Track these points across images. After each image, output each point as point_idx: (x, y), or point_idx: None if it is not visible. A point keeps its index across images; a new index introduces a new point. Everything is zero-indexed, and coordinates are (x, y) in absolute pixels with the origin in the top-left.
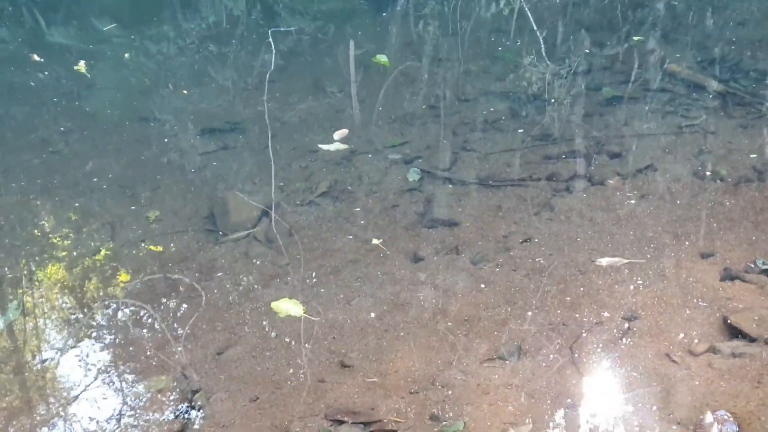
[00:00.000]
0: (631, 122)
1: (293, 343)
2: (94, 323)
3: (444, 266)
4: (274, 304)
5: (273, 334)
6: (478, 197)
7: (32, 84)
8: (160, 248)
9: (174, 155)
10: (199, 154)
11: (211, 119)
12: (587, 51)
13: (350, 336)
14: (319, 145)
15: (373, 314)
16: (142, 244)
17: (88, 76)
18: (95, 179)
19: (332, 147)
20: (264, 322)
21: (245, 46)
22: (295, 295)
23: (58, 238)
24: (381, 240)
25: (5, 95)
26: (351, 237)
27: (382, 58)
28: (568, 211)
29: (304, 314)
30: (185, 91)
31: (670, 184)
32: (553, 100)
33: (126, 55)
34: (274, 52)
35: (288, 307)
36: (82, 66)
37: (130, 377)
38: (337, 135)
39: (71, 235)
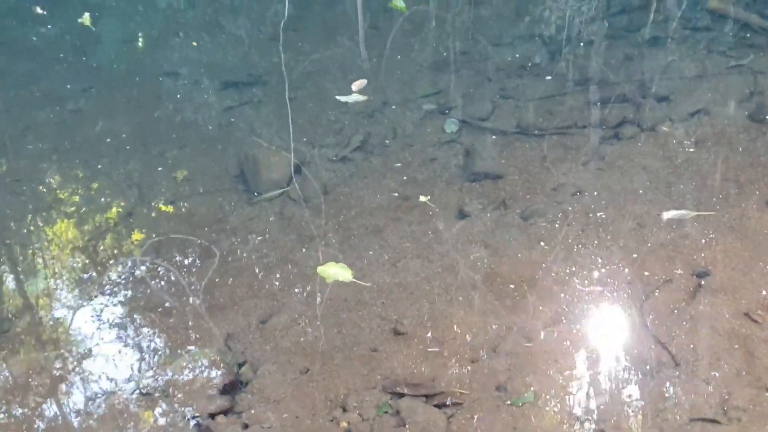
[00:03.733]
0: (676, 63)
1: (341, 309)
2: (126, 292)
3: (493, 222)
4: (320, 269)
5: (318, 300)
6: (521, 147)
7: (34, 39)
8: (189, 209)
9: (197, 112)
10: (223, 110)
11: (230, 72)
12: None
13: (400, 300)
14: (337, 97)
15: (422, 276)
16: (172, 207)
17: (93, 29)
18: (118, 139)
19: (350, 99)
20: (308, 287)
21: None
22: (337, 258)
23: (80, 201)
24: (429, 197)
25: (12, 51)
26: (391, 194)
27: (399, 3)
28: (620, 159)
29: (354, 279)
30: (194, 43)
31: (725, 128)
32: (591, 43)
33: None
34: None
35: (335, 271)
36: (86, 19)
37: (170, 351)
38: (355, 86)
39: (98, 198)
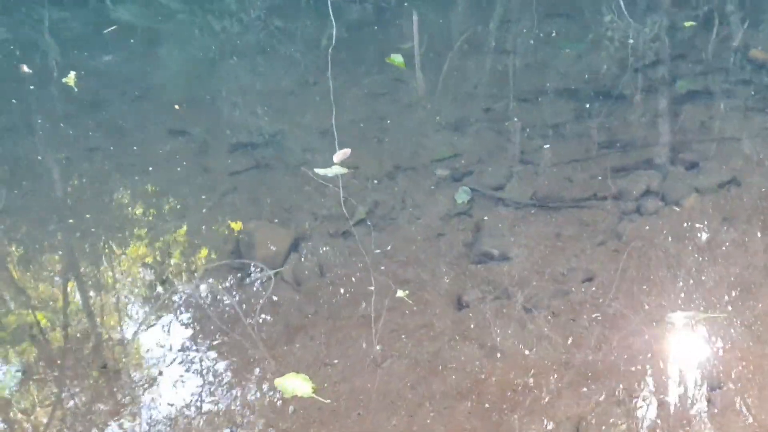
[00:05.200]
0: (709, 123)
1: (312, 421)
2: (79, 391)
3: (492, 315)
4: (278, 381)
5: (291, 409)
6: (534, 222)
7: (14, 101)
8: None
9: (201, 176)
10: (229, 175)
11: (246, 130)
12: (656, 35)
13: (378, 411)
14: (315, 170)
15: (406, 381)
16: (159, 288)
17: (76, 89)
18: (116, 210)
19: (330, 172)
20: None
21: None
22: (321, 354)
23: (53, 286)
24: (407, 292)
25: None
26: (388, 279)
27: (397, 59)
28: (638, 239)
29: (313, 394)
30: (176, 106)
31: (756, 203)
32: (622, 98)
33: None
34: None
35: (294, 384)
36: (71, 78)
37: None
38: (336, 157)
39: (72, 278)
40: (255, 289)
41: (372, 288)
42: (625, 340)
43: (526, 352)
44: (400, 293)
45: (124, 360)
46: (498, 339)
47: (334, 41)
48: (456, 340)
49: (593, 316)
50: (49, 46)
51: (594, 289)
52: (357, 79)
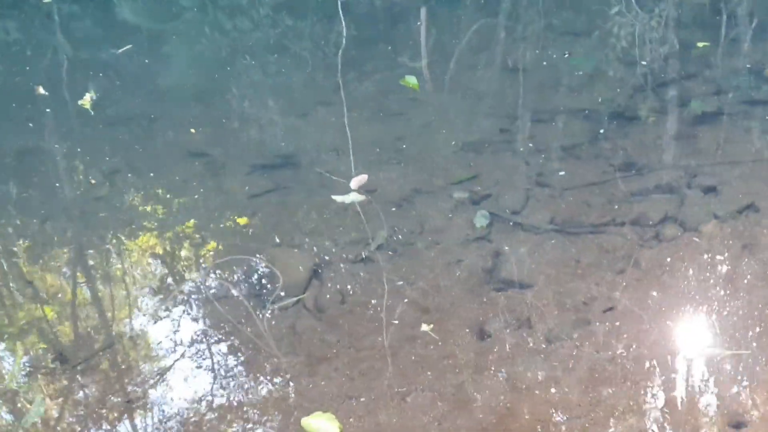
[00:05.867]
0: (726, 145)
1: None
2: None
3: (514, 346)
4: (305, 421)
5: None
6: (553, 248)
7: (31, 125)
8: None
9: (220, 201)
10: (248, 198)
11: (262, 152)
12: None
13: None
14: (333, 196)
15: (431, 416)
16: (175, 319)
17: (92, 112)
18: (132, 234)
19: (347, 198)
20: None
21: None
22: (344, 388)
23: (75, 313)
24: (432, 326)
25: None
26: (409, 308)
27: (411, 80)
28: (658, 267)
29: None
30: (192, 130)
31: None
32: (637, 119)
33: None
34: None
35: (321, 425)
36: (86, 100)
37: None
38: (354, 183)
39: (95, 308)
40: (277, 317)
41: (396, 320)
42: (648, 373)
43: (549, 385)
44: (424, 327)
45: (148, 395)
46: (521, 371)
47: (344, 43)
48: (479, 373)
49: (615, 348)
50: (61, 48)
51: (616, 319)
52: (372, 97)
